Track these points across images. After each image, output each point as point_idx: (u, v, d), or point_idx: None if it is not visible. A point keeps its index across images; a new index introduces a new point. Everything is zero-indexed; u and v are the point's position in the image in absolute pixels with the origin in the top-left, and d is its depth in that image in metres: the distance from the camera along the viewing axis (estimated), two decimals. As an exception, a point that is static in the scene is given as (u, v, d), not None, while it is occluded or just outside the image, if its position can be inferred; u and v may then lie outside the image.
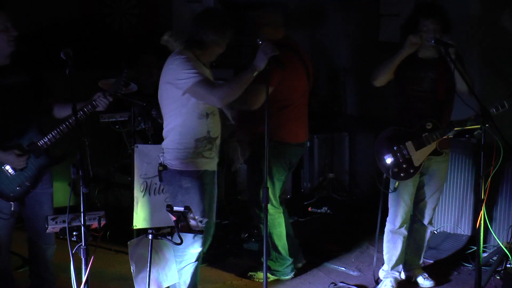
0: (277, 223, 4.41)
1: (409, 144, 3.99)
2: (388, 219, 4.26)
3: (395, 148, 4.00)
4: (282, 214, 4.47)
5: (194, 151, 3.64)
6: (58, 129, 3.61)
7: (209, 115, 3.65)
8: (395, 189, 4.10)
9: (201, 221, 3.58)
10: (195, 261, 3.74)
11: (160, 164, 3.75)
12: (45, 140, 3.62)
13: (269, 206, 4.25)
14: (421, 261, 4.44)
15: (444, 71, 4.00)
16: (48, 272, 3.93)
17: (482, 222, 3.50)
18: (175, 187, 3.70)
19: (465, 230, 5.03)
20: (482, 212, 3.48)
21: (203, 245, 3.76)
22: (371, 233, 5.17)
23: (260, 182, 4.26)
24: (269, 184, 4.32)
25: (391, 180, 4.11)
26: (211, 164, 3.76)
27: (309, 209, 6.08)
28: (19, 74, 3.62)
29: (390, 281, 4.27)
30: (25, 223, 3.88)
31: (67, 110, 3.65)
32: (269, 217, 4.31)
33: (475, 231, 3.84)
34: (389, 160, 4.02)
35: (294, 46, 4.39)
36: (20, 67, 3.63)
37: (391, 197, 4.19)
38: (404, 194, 4.12)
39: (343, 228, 5.72)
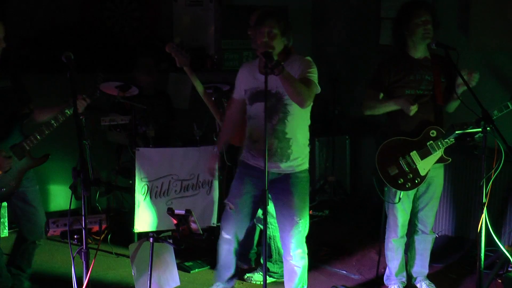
0: None
1: (414, 154, 3.95)
2: (389, 228, 4.19)
3: (400, 159, 3.95)
4: None
5: (245, 147, 3.88)
6: (40, 131, 3.73)
7: (250, 118, 3.79)
8: (399, 200, 4.02)
9: (226, 204, 3.83)
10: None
11: None
12: (27, 142, 3.72)
13: None
14: (427, 271, 4.34)
15: (439, 73, 3.98)
16: (29, 266, 4.05)
17: (483, 225, 3.48)
18: None
19: (467, 233, 5.02)
20: (483, 215, 3.47)
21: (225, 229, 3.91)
22: (372, 236, 5.17)
23: None
24: None
25: (393, 190, 4.02)
26: (257, 161, 3.77)
27: (310, 212, 6.06)
28: (2, 79, 3.71)
29: (398, 286, 4.25)
30: (17, 222, 3.98)
31: (47, 113, 3.82)
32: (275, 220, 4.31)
33: (478, 234, 3.82)
34: (394, 171, 3.96)
35: None
36: (3, 72, 3.72)
37: (391, 206, 4.10)
38: (404, 202, 4.06)
39: (344, 231, 5.71)
